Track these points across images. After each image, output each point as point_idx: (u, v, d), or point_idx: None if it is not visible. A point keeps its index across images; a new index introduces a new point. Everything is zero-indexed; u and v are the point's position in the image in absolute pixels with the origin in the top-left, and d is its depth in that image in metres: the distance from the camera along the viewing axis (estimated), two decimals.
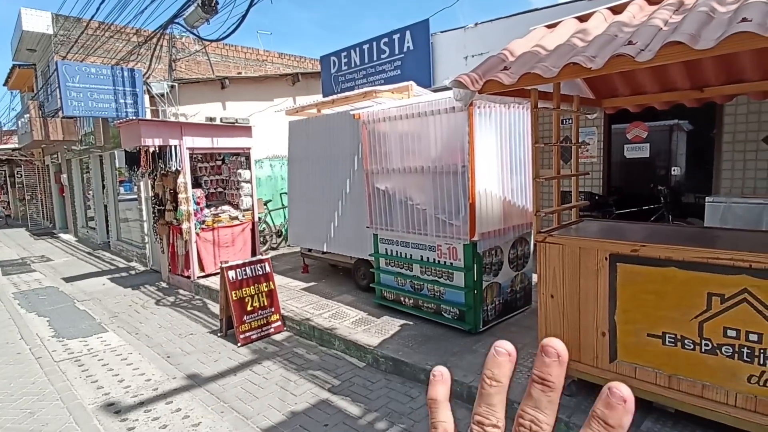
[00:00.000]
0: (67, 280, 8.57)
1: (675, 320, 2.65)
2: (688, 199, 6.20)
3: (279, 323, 5.32)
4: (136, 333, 5.54)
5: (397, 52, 7.67)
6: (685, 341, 2.63)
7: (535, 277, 3.95)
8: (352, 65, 8.47)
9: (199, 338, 5.26)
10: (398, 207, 4.96)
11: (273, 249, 9.31)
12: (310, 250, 7.07)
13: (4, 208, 23.94)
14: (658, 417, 2.92)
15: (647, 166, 6.56)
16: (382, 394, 3.74)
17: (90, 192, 13.08)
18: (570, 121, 4.46)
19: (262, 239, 8.90)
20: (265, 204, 9.29)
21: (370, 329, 4.78)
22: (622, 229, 3.49)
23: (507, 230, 4.59)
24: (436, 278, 4.68)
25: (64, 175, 14.74)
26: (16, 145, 17.41)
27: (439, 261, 4.64)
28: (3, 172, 24.09)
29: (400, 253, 5.06)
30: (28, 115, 12.57)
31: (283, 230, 9.43)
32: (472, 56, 6.71)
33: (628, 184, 6.79)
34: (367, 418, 3.41)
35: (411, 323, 4.87)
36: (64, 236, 14.91)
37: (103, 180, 11.67)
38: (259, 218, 8.55)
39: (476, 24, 6.76)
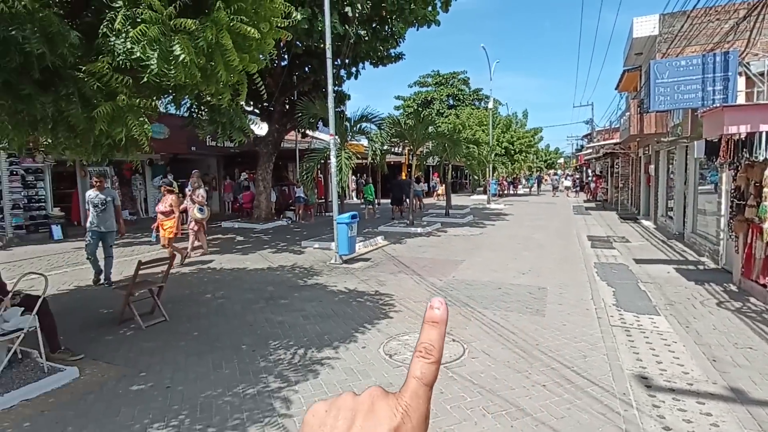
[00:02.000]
0: (637, 261, 9.39)
1: None
2: None
3: None
4: (686, 326, 5.45)
5: None
6: None
7: None
8: None
9: (760, 355, 4.51)
10: None
11: None
12: None
13: (603, 194, 28.60)
14: None
15: None
16: None
17: (672, 182, 13.37)
18: None
19: None
20: None
21: None
22: None
23: None
24: None
25: (652, 166, 15.76)
26: (617, 140, 20.24)
27: None
28: (607, 163, 28.66)
29: None
30: (628, 113, 14.32)
31: None
32: None
33: None
34: None
35: None
36: (644, 222, 16.12)
37: (685, 170, 11.62)
38: None
39: None
